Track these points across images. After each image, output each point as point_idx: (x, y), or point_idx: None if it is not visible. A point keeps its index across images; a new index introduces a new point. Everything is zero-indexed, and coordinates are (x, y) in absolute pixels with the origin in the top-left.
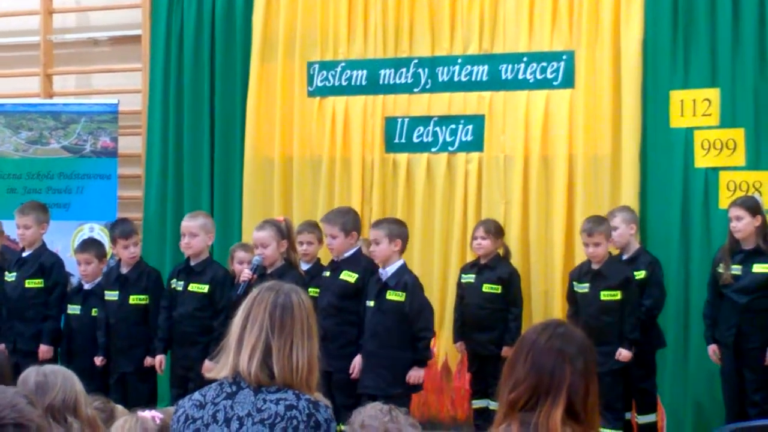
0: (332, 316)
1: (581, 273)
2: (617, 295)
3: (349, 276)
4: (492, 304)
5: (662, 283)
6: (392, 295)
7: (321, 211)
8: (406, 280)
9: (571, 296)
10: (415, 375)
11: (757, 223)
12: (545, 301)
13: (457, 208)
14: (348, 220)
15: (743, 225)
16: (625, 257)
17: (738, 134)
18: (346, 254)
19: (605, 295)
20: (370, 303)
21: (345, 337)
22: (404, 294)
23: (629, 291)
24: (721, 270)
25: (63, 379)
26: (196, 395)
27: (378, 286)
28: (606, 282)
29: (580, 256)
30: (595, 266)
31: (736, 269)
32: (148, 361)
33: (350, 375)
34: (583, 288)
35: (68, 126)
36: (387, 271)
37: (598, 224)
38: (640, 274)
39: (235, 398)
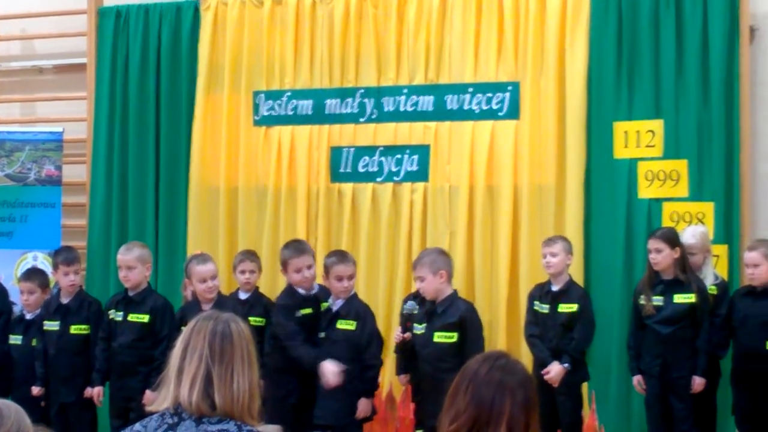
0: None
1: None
2: (453, 338)
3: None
4: None
5: (593, 316)
6: (343, 324)
7: (266, 240)
8: (357, 308)
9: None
10: (362, 408)
11: (675, 255)
12: (489, 331)
13: (402, 238)
14: None
15: (662, 257)
16: (555, 288)
17: (681, 165)
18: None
19: (439, 337)
20: (322, 334)
21: None
22: (355, 323)
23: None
24: (642, 302)
25: (16, 413)
26: (138, 426)
27: (329, 317)
28: (441, 321)
29: (524, 286)
30: (434, 307)
31: (658, 300)
32: (87, 392)
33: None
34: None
35: (12, 154)
36: (338, 302)
37: None
38: (572, 308)
39: (177, 429)
